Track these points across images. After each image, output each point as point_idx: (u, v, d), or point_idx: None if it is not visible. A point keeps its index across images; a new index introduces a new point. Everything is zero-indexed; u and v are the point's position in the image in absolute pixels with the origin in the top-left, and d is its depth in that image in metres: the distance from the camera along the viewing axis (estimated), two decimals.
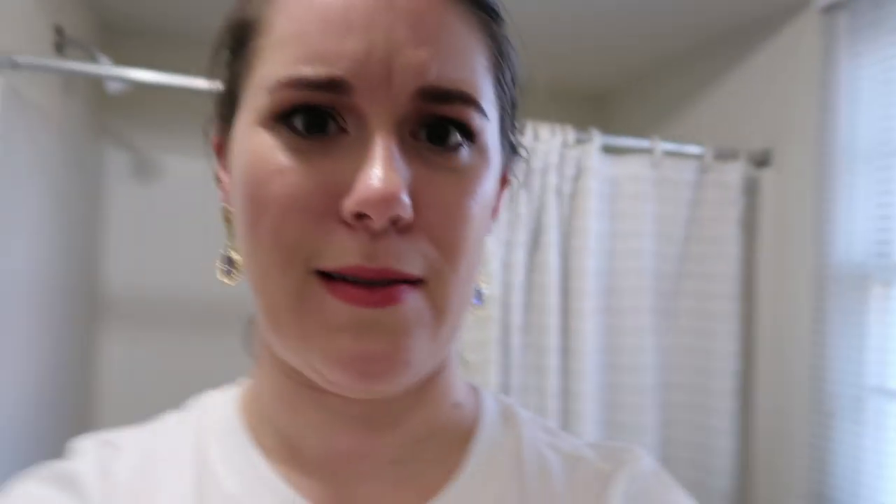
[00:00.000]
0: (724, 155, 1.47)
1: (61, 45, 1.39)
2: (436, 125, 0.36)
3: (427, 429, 0.43)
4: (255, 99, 0.37)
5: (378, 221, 0.33)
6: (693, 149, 1.47)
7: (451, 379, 0.45)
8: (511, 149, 0.45)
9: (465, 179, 0.37)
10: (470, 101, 0.36)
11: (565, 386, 1.31)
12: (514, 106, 0.43)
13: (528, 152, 1.29)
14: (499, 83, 0.40)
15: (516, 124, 0.45)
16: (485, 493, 0.42)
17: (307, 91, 0.35)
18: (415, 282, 0.36)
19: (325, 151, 0.35)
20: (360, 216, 0.34)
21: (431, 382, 0.43)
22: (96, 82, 1.58)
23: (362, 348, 0.34)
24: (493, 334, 1.27)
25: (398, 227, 0.34)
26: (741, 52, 1.56)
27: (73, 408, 1.58)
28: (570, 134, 1.38)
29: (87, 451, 0.43)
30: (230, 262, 0.43)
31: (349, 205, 0.33)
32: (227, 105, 0.41)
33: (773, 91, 1.48)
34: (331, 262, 0.34)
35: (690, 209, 1.47)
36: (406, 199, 0.33)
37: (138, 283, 1.72)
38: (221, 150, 0.43)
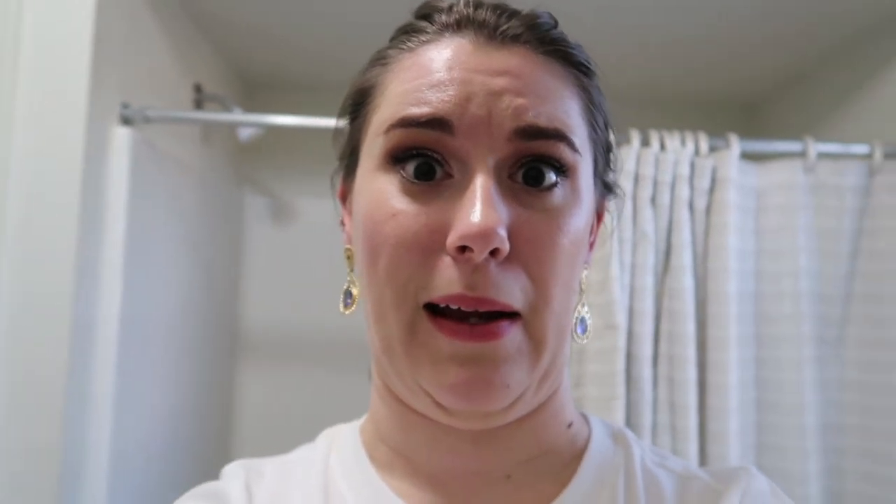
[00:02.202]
0: None
1: (200, 101, 1.50)
2: (531, 167, 0.40)
3: (539, 448, 0.46)
4: (372, 146, 0.42)
5: (478, 253, 0.37)
6: (858, 148, 1.26)
7: (564, 403, 0.48)
8: (605, 188, 0.49)
9: (557, 218, 0.40)
10: (563, 137, 0.40)
11: (704, 425, 1.14)
12: (607, 149, 0.48)
13: (655, 164, 1.19)
14: (592, 128, 0.44)
15: (611, 165, 0.49)
16: (595, 503, 0.45)
17: (414, 129, 0.39)
18: (513, 316, 0.39)
19: (433, 195, 0.39)
20: (462, 249, 0.37)
21: (541, 412, 0.45)
22: (234, 133, 1.69)
23: (465, 376, 0.38)
24: (618, 367, 1.15)
25: (496, 259, 0.38)
26: None
27: (213, 438, 1.66)
28: (703, 141, 1.24)
29: (236, 474, 0.49)
30: (349, 295, 0.48)
31: (452, 239, 0.37)
32: (350, 158, 0.48)
33: None
34: (437, 293, 0.38)
35: (858, 219, 1.25)
36: (503, 232, 0.37)
37: (274, 320, 1.80)
38: (345, 198, 0.50)
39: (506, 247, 0.37)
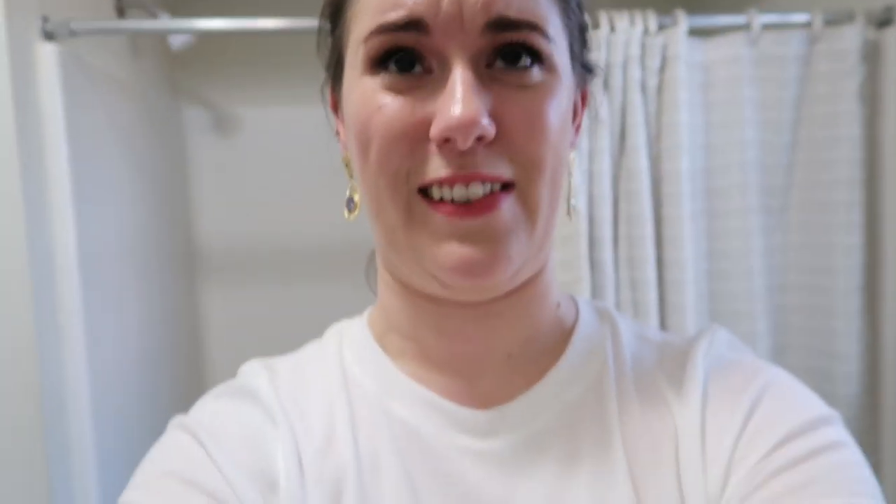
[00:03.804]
0: (837, 19, 1.27)
1: (122, 8, 1.39)
2: (507, 52, 0.41)
3: (534, 327, 0.50)
4: (356, 54, 0.44)
5: (462, 143, 0.39)
6: (799, 17, 1.28)
7: (551, 284, 0.51)
8: (585, 69, 0.50)
9: (540, 93, 0.42)
10: (535, 27, 0.41)
11: (664, 298, 1.22)
12: (582, 30, 0.49)
13: (606, 46, 1.19)
14: (564, 12, 0.45)
15: (587, 46, 0.50)
16: (586, 371, 0.49)
17: (392, 34, 0.41)
18: (506, 186, 0.42)
19: (415, 88, 0.41)
20: (446, 140, 0.40)
21: (533, 286, 0.48)
22: (164, 42, 1.59)
23: (467, 254, 0.40)
24: (581, 251, 1.19)
25: (482, 143, 0.40)
26: None
27: (184, 359, 1.67)
28: (652, 20, 1.24)
29: (257, 371, 0.51)
30: (351, 201, 0.50)
31: (435, 131, 0.40)
32: (336, 67, 0.49)
33: None
34: (427, 177, 0.41)
35: (799, 88, 1.28)
36: (486, 119, 0.39)
37: (231, 234, 1.77)
38: (336, 107, 0.51)
39: (490, 132, 0.40)
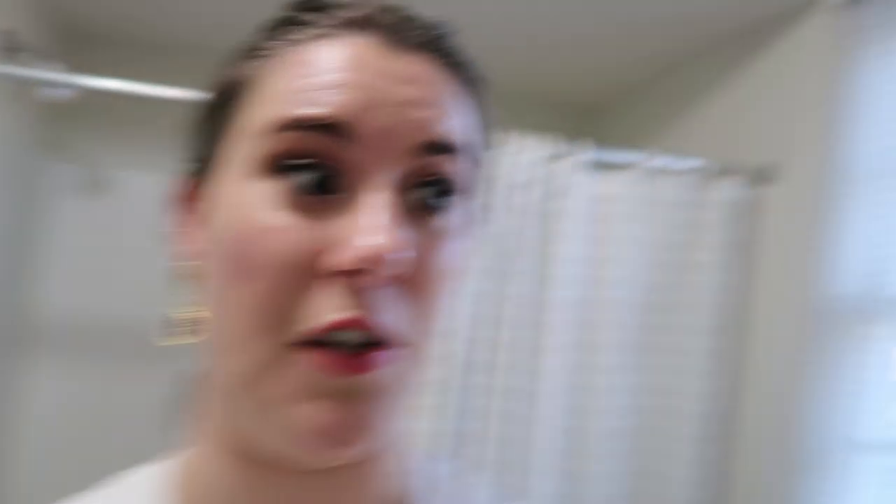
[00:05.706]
0: (725, 171, 1.34)
1: (14, 49, 1.30)
2: (430, 186, 0.36)
3: (380, 496, 0.43)
4: (243, 147, 0.36)
5: (377, 277, 0.32)
6: (691, 163, 1.33)
7: (404, 449, 0.45)
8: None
9: (450, 244, 0.37)
10: (468, 153, 0.37)
11: (516, 433, 1.21)
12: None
13: (510, 166, 1.18)
14: (485, 147, 0.41)
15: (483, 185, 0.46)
16: None
17: (306, 133, 0.34)
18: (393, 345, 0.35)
19: (320, 209, 0.34)
20: (351, 273, 0.32)
21: (385, 454, 0.42)
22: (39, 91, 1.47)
23: (333, 419, 0.33)
24: (455, 373, 1.18)
25: (392, 282, 0.34)
26: (744, 55, 1.43)
27: None
28: (561, 146, 1.24)
29: None
30: (192, 322, 0.40)
31: (343, 260, 0.32)
32: (209, 157, 0.39)
33: (777, 98, 1.34)
34: (319, 321, 0.33)
35: (683, 232, 1.32)
36: (411, 254, 0.33)
37: (79, 307, 1.58)
38: (192, 201, 0.41)
39: (410, 271, 0.34)
